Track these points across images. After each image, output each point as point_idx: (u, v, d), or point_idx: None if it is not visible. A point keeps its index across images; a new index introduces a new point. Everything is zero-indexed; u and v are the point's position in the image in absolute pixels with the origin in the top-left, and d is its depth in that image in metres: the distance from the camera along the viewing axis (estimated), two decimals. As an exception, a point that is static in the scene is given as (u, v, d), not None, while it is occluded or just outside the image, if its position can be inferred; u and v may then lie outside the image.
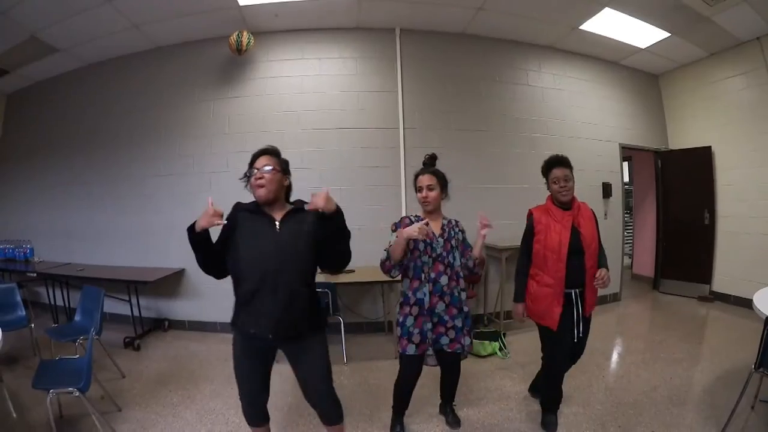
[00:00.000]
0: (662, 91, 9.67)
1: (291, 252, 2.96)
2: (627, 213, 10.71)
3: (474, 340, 6.11)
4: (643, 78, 9.46)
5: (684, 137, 9.23)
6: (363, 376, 5.56)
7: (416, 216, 3.94)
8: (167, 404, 4.70)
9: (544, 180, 4.24)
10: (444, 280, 3.71)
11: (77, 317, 5.49)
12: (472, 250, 3.93)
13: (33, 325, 5.70)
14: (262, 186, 3.01)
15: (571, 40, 8.01)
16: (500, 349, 6.11)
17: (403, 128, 7.41)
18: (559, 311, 3.84)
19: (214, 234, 2.99)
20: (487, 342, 6.13)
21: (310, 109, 7.38)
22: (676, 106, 9.41)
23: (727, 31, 7.42)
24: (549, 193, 4.23)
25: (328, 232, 3.03)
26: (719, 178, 8.58)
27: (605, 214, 8.45)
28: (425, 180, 3.83)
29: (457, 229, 3.95)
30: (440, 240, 3.78)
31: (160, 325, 7.47)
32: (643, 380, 4.94)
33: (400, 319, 3.77)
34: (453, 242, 3.84)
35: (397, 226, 3.77)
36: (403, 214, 3.80)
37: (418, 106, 7.53)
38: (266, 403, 3.35)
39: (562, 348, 3.97)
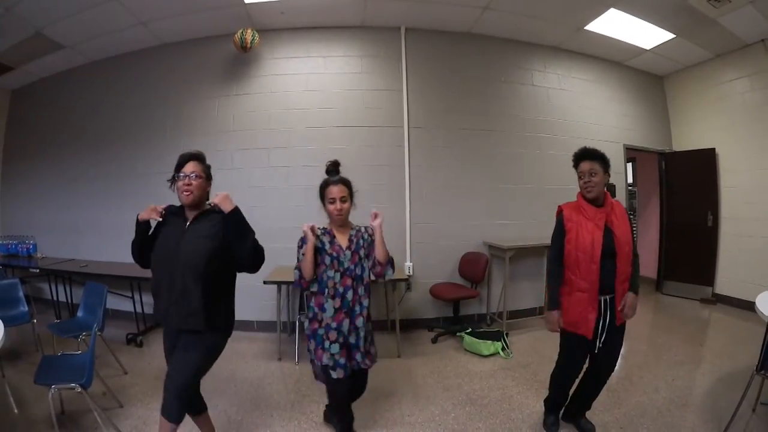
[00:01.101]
0: (667, 93, 9.66)
1: (188, 251, 3.09)
2: (630, 214, 10.66)
3: (476, 340, 6.13)
4: (647, 79, 9.45)
5: (688, 139, 9.22)
6: (365, 374, 5.53)
7: (322, 228, 3.71)
8: (169, 401, 4.70)
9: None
10: (350, 295, 3.59)
11: (80, 313, 5.49)
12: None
13: (35, 320, 5.68)
14: (189, 192, 3.17)
15: (577, 41, 8.00)
16: (503, 349, 6.09)
17: (408, 127, 7.41)
18: (594, 317, 3.57)
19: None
20: (489, 342, 6.11)
21: (315, 107, 7.38)
22: (681, 108, 9.40)
23: (733, 33, 7.40)
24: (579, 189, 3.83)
25: (229, 232, 3.14)
26: (723, 180, 8.57)
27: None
28: (337, 191, 3.61)
29: (366, 236, 3.77)
30: (347, 253, 3.64)
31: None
32: (645, 382, 4.94)
33: (310, 334, 3.65)
34: (361, 252, 3.69)
35: (303, 242, 3.55)
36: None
37: (423, 105, 7.53)
38: (195, 393, 3.44)
39: (583, 358, 3.81)
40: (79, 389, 3.66)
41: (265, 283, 6.00)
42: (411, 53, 7.52)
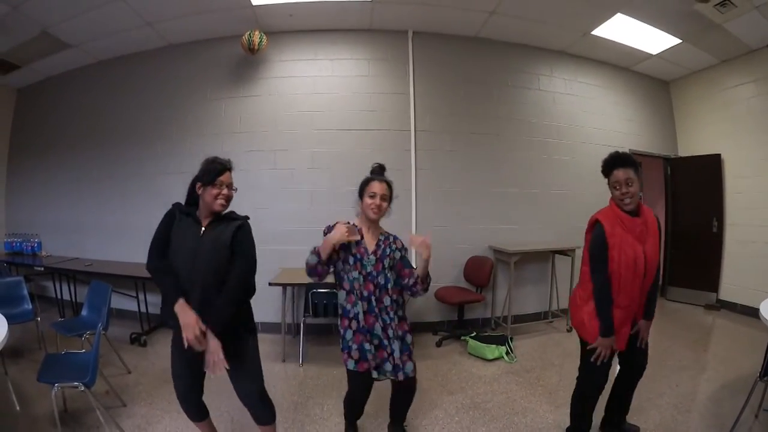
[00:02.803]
0: (673, 98, 9.64)
1: (207, 258, 3.09)
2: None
3: (481, 344, 6.12)
4: (654, 84, 9.44)
5: (694, 144, 9.21)
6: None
7: (353, 224, 3.61)
8: (172, 401, 4.66)
9: (607, 181, 3.59)
10: (374, 301, 3.50)
11: (84, 312, 5.52)
12: (416, 269, 3.62)
13: (39, 318, 5.69)
14: (224, 203, 3.19)
15: (583, 45, 8.00)
16: (507, 354, 6.08)
17: (415, 130, 7.41)
18: (628, 331, 3.44)
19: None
20: (494, 346, 6.10)
21: (322, 110, 7.39)
22: (687, 113, 9.39)
23: (738, 39, 7.40)
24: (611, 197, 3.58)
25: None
26: (728, 186, 8.55)
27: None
28: (381, 188, 3.60)
29: (393, 247, 3.66)
30: (372, 258, 3.55)
31: (166, 321, 7.44)
32: (649, 387, 4.92)
33: (341, 332, 3.58)
34: (386, 262, 3.57)
35: (330, 230, 3.53)
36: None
37: (430, 108, 7.53)
38: (199, 399, 3.50)
39: (606, 368, 3.55)
40: (83, 388, 3.65)
41: (270, 285, 5.99)
42: (418, 57, 7.52)
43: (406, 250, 3.72)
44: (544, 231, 7.71)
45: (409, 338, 3.64)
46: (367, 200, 3.57)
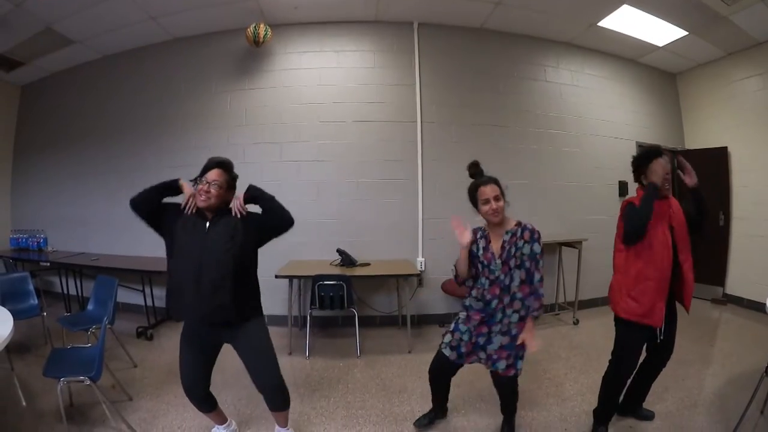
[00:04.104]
0: (679, 90, 9.60)
1: (215, 250, 3.18)
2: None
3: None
4: (660, 76, 9.40)
5: (700, 137, 9.17)
6: (376, 370, 5.55)
7: (481, 229, 3.62)
8: (178, 394, 4.68)
9: (633, 173, 3.87)
10: (494, 304, 3.48)
11: (90, 306, 5.52)
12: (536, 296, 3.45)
13: (45, 313, 5.71)
14: (207, 199, 3.23)
15: (589, 37, 7.97)
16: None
17: (421, 122, 7.41)
18: (663, 307, 3.58)
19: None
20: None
21: (328, 102, 7.39)
22: (693, 106, 9.35)
23: (745, 31, 7.36)
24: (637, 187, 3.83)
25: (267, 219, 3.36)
26: (735, 180, 8.51)
27: (618, 215, 8.42)
28: (491, 191, 3.44)
29: (521, 243, 3.46)
30: (498, 262, 3.46)
31: (172, 315, 7.46)
32: (654, 381, 4.92)
33: (459, 317, 3.67)
34: (512, 263, 3.44)
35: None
36: (464, 216, 3.31)
37: (436, 100, 7.52)
38: (206, 389, 3.58)
39: (640, 351, 3.79)
40: (88, 382, 3.67)
41: (276, 277, 6.02)
42: (424, 48, 7.52)
43: (535, 240, 3.51)
44: (550, 223, 7.65)
45: (519, 339, 3.50)
46: (483, 207, 3.48)
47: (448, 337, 3.64)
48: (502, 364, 3.54)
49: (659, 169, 3.62)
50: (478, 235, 3.57)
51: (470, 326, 3.57)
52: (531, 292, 3.44)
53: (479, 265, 3.52)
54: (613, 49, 8.49)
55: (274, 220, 3.34)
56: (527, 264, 3.44)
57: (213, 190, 3.23)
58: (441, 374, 3.83)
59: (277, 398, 3.57)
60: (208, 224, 3.26)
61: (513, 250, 3.45)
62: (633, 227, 3.52)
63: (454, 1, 6.84)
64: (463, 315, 3.63)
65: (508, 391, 3.79)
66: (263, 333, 3.49)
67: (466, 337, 3.57)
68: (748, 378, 4.83)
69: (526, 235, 3.49)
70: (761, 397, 4.11)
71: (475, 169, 3.66)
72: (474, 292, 3.59)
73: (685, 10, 6.76)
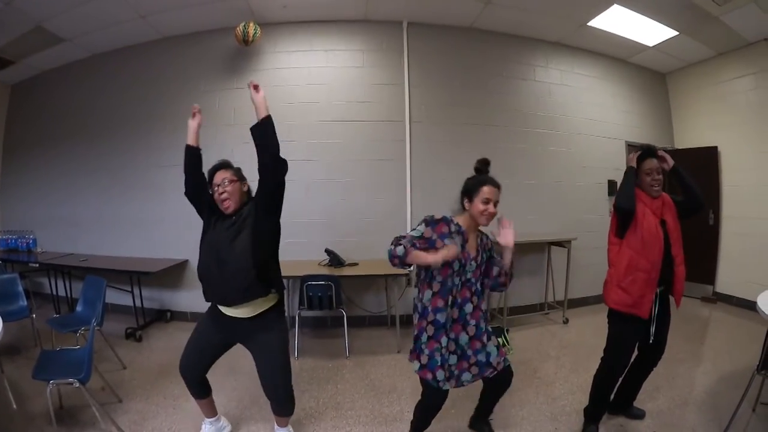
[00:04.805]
0: (669, 90, 9.63)
1: (232, 235, 3.33)
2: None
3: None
4: (650, 76, 9.43)
5: (690, 137, 9.20)
6: (365, 370, 5.56)
7: (457, 224, 3.29)
8: (168, 396, 4.70)
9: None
10: (469, 308, 3.29)
11: (79, 308, 5.49)
12: (500, 261, 3.47)
13: (34, 315, 5.69)
14: (227, 199, 3.41)
15: (579, 37, 7.99)
16: (503, 345, 6.08)
17: (410, 122, 7.41)
18: (651, 299, 3.66)
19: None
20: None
21: (317, 101, 7.40)
22: (683, 105, 9.39)
23: (735, 32, 7.38)
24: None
25: (256, 136, 3.65)
26: (725, 179, 8.55)
27: (610, 212, 8.45)
28: (495, 194, 3.30)
29: (488, 250, 3.48)
30: (473, 264, 3.31)
31: (162, 316, 7.51)
32: (646, 380, 4.94)
33: (416, 332, 3.33)
34: (483, 267, 3.41)
35: (430, 225, 3.23)
36: (442, 214, 3.28)
37: (425, 99, 7.54)
38: (202, 377, 3.66)
39: (632, 348, 3.85)
40: (78, 384, 3.65)
41: (265, 277, 5.99)
42: (413, 47, 7.52)
43: (492, 247, 3.54)
44: (540, 222, 7.71)
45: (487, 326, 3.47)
46: (480, 206, 3.27)
47: (441, 374, 3.23)
48: (494, 351, 3.41)
49: (648, 168, 3.85)
50: (452, 228, 3.26)
51: (460, 344, 3.32)
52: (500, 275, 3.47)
53: (456, 263, 3.20)
54: (603, 49, 8.52)
55: (263, 143, 3.60)
56: (489, 269, 3.48)
57: (228, 188, 3.42)
58: (436, 409, 3.57)
59: (284, 407, 3.65)
60: (234, 218, 3.42)
61: (484, 255, 3.44)
62: (620, 201, 3.71)
63: (443, 0, 6.85)
64: (443, 341, 3.24)
65: (508, 385, 3.68)
66: (282, 342, 3.55)
67: (454, 360, 3.31)
68: (739, 376, 4.86)
69: (488, 243, 3.53)
70: (753, 395, 4.13)
71: (483, 166, 3.54)
72: (448, 300, 3.24)
73: (676, 10, 6.78)
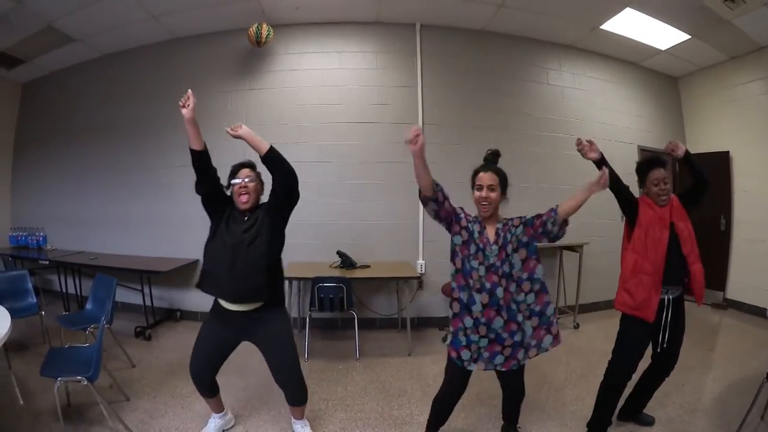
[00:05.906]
0: (681, 94, 9.59)
1: (249, 239, 3.46)
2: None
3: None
4: (662, 80, 9.39)
5: (702, 141, 9.12)
6: (375, 372, 5.55)
7: (474, 217, 3.44)
8: (176, 395, 4.70)
9: (638, 179, 4.07)
10: (500, 292, 3.22)
11: (88, 305, 5.51)
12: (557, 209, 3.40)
13: (44, 312, 5.69)
14: (247, 194, 3.60)
15: (592, 40, 7.97)
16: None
17: (423, 124, 7.39)
18: (657, 301, 3.64)
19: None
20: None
21: (329, 103, 7.39)
22: (695, 110, 9.33)
23: (748, 35, 7.34)
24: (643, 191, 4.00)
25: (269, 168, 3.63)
26: (737, 184, 8.50)
27: (622, 217, 8.40)
28: (487, 178, 3.33)
29: (514, 230, 3.35)
30: (494, 248, 3.27)
31: (171, 315, 7.53)
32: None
33: (452, 329, 3.39)
34: (509, 248, 3.29)
35: (456, 216, 3.41)
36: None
37: (438, 102, 7.52)
38: (212, 378, 3.74)
39: (639, 353, 3.79)
40: (86, 382, 3.64)
41: (276, 278, 5.99)
42: (426, 50, 7.52)
43: (524, 217, 3.46)
44: (551, 226, 7.66)
45: (550, 309, 3.42)
46: (475, 193, 3.38)
47: (466, 354, 3.30)
48: (547, 341, 3.46)
49: (654, 178, 3.83)
50: (470, 219, 3.41)
51: (493, 328, 3.26)
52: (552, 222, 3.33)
53: (473, 247, 3.30)
54: (615, 53, 8.49)
55: (277, 173, 3.61)
56: (531, 229, 3.34)
57: (249, 185, 3.61)
58: (457, 394, 3.59)
59: (297, 394, 3.78)
60: (246, 218, 3.57)
61: (508, 236, 3.33)
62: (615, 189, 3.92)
63: (456, 2, 6.83)
64: (468, 322, 3.29)
65: (517, 386, 3.74)
66: (286, 332, 3.74)
67: (485, 342, 3.28)
68: (749, 383, 4.79)
69: (516, 220, 3.43)
70: (762, 403, 4.08)
71: (490, 156, 3.56)
72: (470, 281, 3.28)
73: (688, 14, 6.75)
